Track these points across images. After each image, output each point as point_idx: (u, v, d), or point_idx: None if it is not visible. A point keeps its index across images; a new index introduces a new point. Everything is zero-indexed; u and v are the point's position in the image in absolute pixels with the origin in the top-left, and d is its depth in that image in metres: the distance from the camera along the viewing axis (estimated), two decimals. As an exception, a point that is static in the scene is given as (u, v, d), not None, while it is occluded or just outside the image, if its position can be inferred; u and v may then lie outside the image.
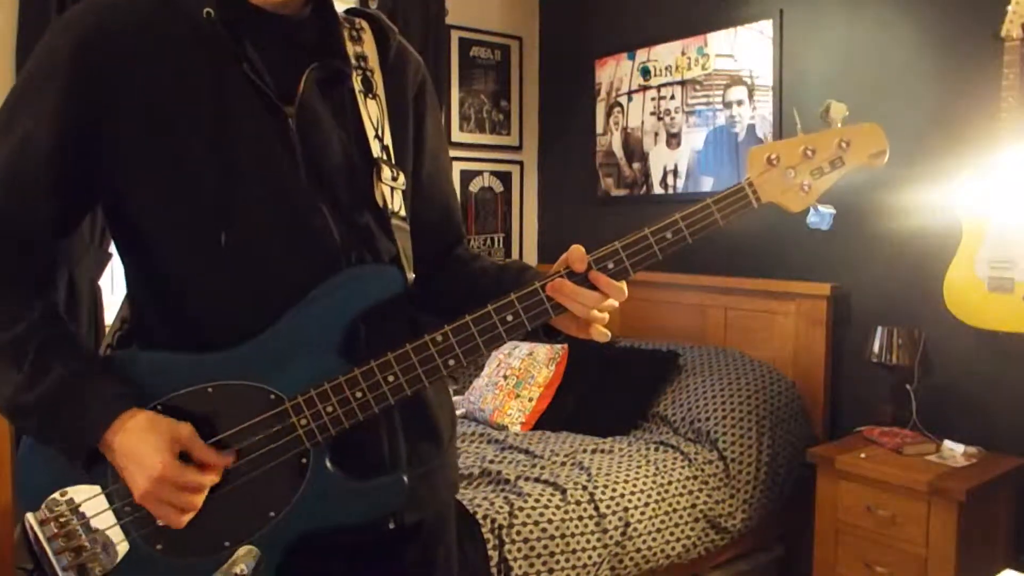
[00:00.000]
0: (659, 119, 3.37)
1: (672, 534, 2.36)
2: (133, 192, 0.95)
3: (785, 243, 2.88)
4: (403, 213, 1.06)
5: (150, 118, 0.93)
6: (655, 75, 3.37)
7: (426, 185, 1.13)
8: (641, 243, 0.97)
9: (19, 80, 0.97)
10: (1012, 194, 2.19)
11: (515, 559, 2.05)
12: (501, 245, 3.85)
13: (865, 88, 2.67)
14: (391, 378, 0.94)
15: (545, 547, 2.11)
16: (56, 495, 0.94)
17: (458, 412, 3.02)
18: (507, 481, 2.27)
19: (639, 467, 2.42)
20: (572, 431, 2.78)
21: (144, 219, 0.96)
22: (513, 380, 3.02)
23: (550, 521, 2.14)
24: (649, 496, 2.34)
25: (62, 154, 0.93)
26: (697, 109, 3.21)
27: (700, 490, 2.46)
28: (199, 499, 0.91)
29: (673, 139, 3.32)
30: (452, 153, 3.42)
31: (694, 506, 2.42)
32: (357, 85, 1.04)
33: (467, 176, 3.71)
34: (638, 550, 2.28)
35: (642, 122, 3.44)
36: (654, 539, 2.31)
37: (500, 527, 2.06)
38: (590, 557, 2.17)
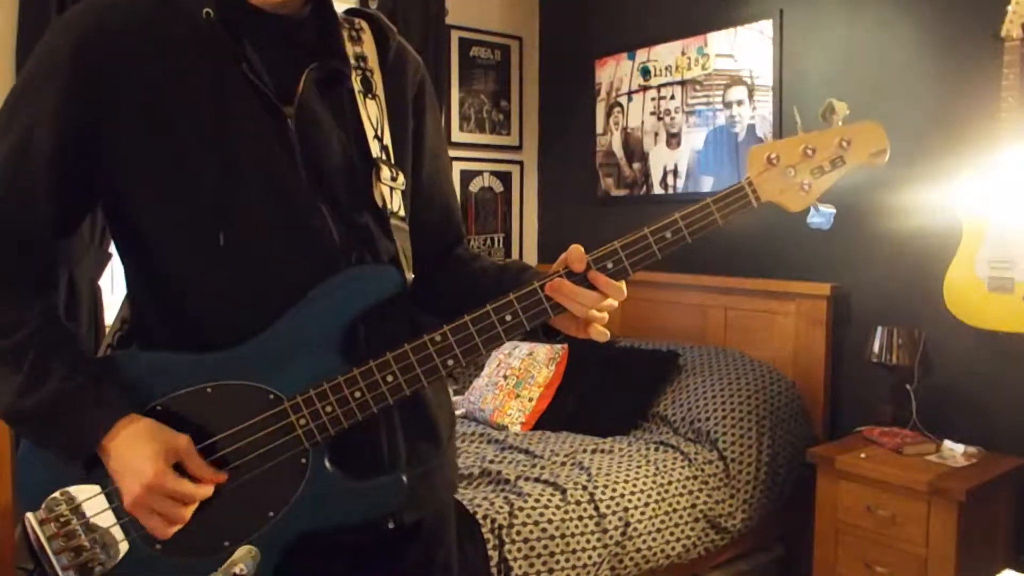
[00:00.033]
0: (659, 119, 3.37)
1: (672, 534, 2.36)
2: (133, 192, 0.95)
3: (785, 243, 2.88)
4: (402, 213, 1.06)
5: (150, 118, 0.93)
6: (655, 75, 3.37)
7: (426, 185, 1.13)
8: (640, 243, 0.97)
9: (19, 80, 0.97)
10: (1012, 194, 2.19)
11: (515, 559, 2.05)
12: (501, 245, 3.85)
13: (865, 88, 2.67)
14: (390, 378, 0.94)
15: (545, 547, 2.11)
16: (56, 495, 0.94)
17: (458, 412, 3.03)
18: (507, 481, 2.27)
19: (639, 467, 2.42)
20: (572, 431, 2.78)
21: (144, 219, 0.96)
22: (513, 380, 3.02)
23: (550, 521, 2.14)
24: (649, 496, 2.34)
25: (62, 154, 0.93)
26: (697, 109, 3.21)
27: (700, 490, 2.46)
28: (187, 512, 0.90)
29: (673, 139, 3.32)
30: (452, 153, 3.43)
31: (694, 506, 2.42)
32: (356, 85, 1.04)
33: (467, 176, 3.71)
34: (638, 550, 2.28)
35: (642, 122, 3.44)
36: (654, 539, 2.31)
37: (500, 527, 2.06)
38: (590, 557, 2.17)
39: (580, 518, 2.19)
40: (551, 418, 2.87)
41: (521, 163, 3.91)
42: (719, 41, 3.11)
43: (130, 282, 1.05)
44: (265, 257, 0.96)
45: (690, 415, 2.71)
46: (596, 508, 2.23)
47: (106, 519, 0.94)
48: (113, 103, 0.92)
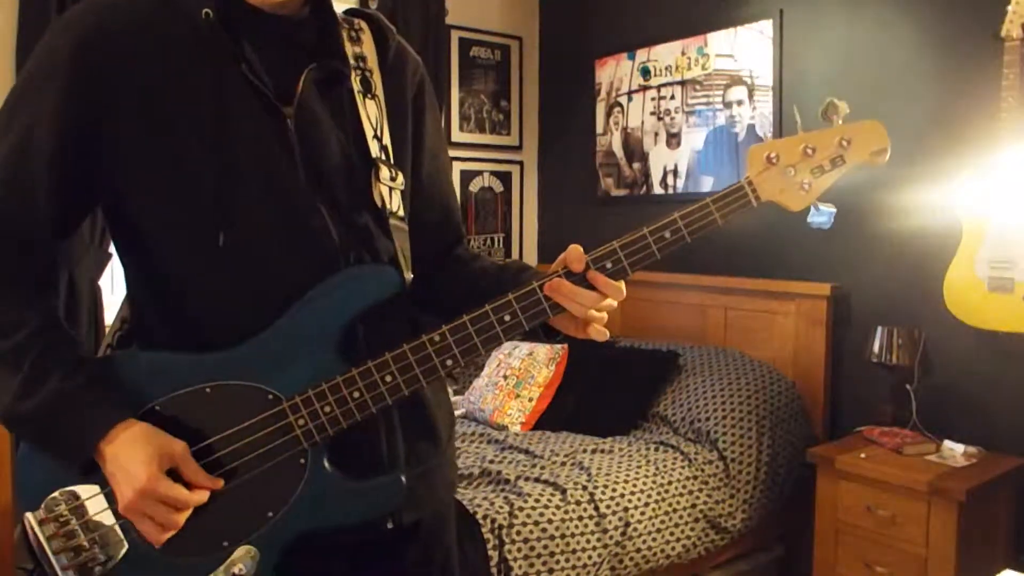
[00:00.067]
0: (659, 119, 3.37)
1: (672, 534, 2.36)
2: (133, 192, 0.95)
3: (785, 243, 2.88)
4: (401, 213, 1.06)
5: (150, 118, 0.93)
6: (655, 75, 3.37)
7: (426, 185, 1.13)
8: (639, 243, 0.97)
9: (19, 80, 0.97)
10: (1012, 194, 2.19)
11: (515, 559, 2.05)
12: (501, 245, 3.85)
13: (865, 88, 2.67)
14: (388, 378, 0.94)
15: (545, 547, 2.11)
16: (56, 495, 0.94)
17: (458, 412, 3.03)
18: (507, 481, 2.27)
19: (639, 467, 2.42)
20: (572, 431, 2.77)
21: (144, 219, 0.96)
22: (513, 380, 3.02)
23: (550, 521, 2.14)
24: (649, 496, 2.34)
25: (62, 154, 0.93)
26: (697, 109, 3.21)
27: (700, 490, 2.46)
28: (181, 517, 0.90)
29: (673, 139, 3.32)
30: (452, 153, 3.43)
31: (694, 506, 2.42)
32: (356, 85, 1.04)
33: (467, 176, 3.71)
34: (638, 550, 2.28)
35: (642, 122, 3.44)
36: (654, 539, 2.31)
37: (500, 527, 2.06)
38: (590, 557, 2.17)
39: (580, 518, 2.19)
40: (551, 418, 2.87)
41: (521, 163, 3.91)
42: (719, 41, 3.11)
43: (130, 282, 1.05)
44: (265, 257, 0.96)
45: (690, 415, 2.71)
46: (596, 508, 2.23)
47: (105, 519, 0.94)
48: (113, 103, 0.92)
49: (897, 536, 2.26)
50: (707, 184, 3.19)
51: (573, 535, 2.16)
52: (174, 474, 0.90)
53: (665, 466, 2.45)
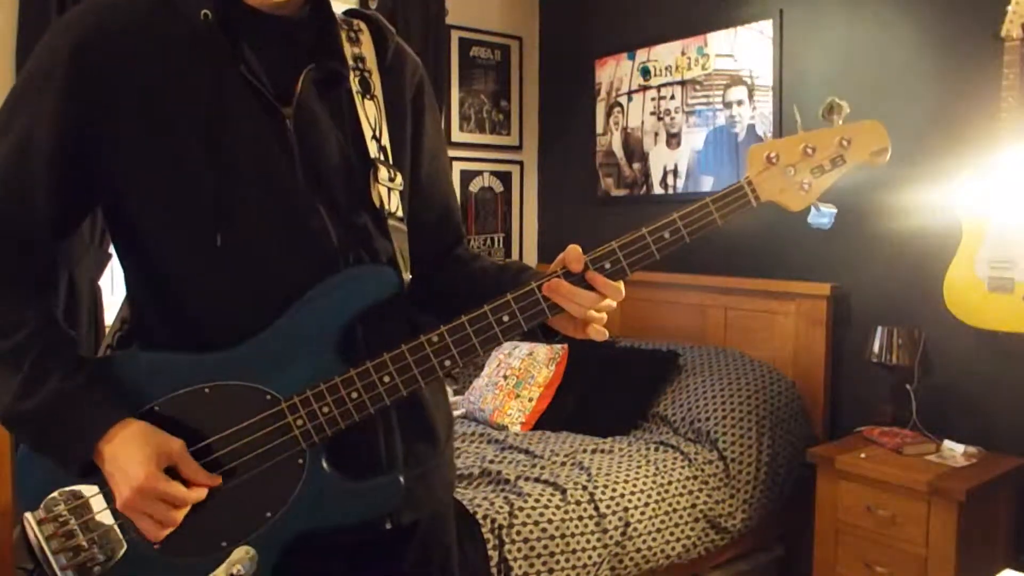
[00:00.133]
0: (659, 119, 3.37)
1: (672, 534, 2.36)
2: (132, 192, 0.95)
3: (785, 243, 2.88)
4: (400, 214, 1.06)
5: (149, 118, 0.93)
6: (655, 75, 3.37)
7: (425, 185, 1.13)
8: (638, 243, 0.97)
9: (19, 80, 0.97)
10: (1012, 194, 2.19)
11: (515, 559, 2.05)
12: (501, 245, 3.85)
13: (865, 88, 2.67)
14: (387, 379, 0.94)
15: (545, 547, 2.11)
16: (55, 495, 0.95)
17: (458, 412, 3.03)
18: (507, 481, 2.27)
19: (639, 467, 2.42)
20: (572, 431, 2.77)
21: (143, 219, 0.96)
22: (513, 380, 3.02)
23: (550, 521, 2.14)
24: (649, 496, 2.34)
25: (62, 154, 0.93)
26: (697, 109, 3.21)
27: (700, 490, 2.46)
28: (179, 515, 0.91)
29: (673, 139, 3.31)
30: (452, 153, 3.43)
31: (694, 506, 2.42)
32: (354, 86, 1.04)
33: (467, 176, 3.71)
34: (638, 550, 2.28)
35: (642, 122, 3.43)
36: (654, 539, 2.31)
37: (500, 527, 2.06)
38: (590, 557, 2.17)
39: (580, 518, 2.19)
40: (551, 418, 2.87)
41: (521, 163, 3.91)
42: (719, 41, 3.11)
43: (130, 283, 1.05)
44: (263, 257, 0.96)
45: (690, 415, 2.71)
46: (596, 508, 2.23)
47: (104, 519, 0.94)
48: (112, 103, 0.92)
49: (897, 536, 2.26)
50: (707, 184, 3.19)
51: (573, 535, 2.16)
52: (172, 472, 0.90)
53: (665, 466, 2.45)
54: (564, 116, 3.82)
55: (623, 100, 3.51)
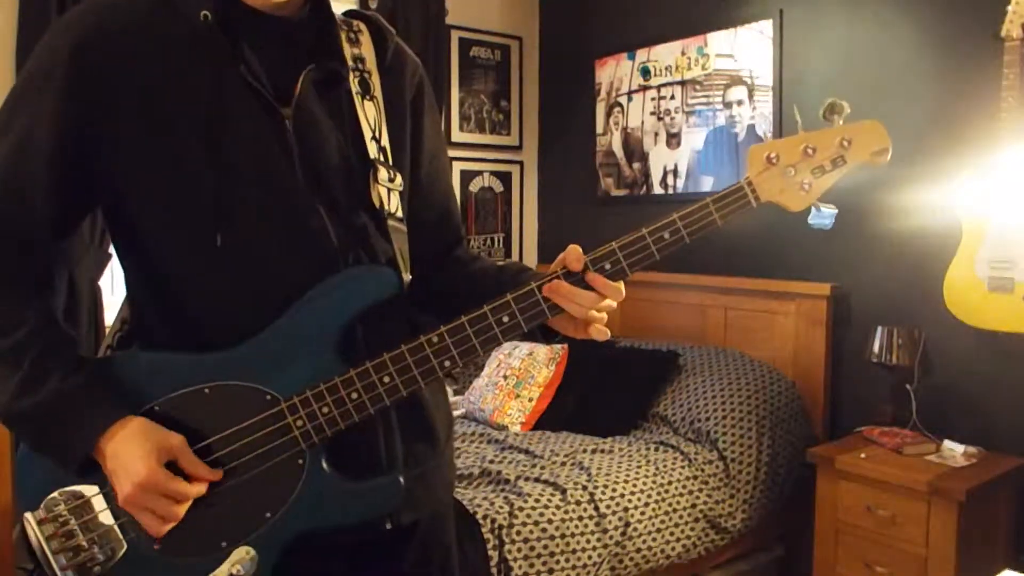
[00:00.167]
0: (659, 119, 3.37)
1: (672, 534, 2.36)
2: (132, 192, 0.95)
3: (785, 243, 2.88)
4: (400, 214, 1.06)
5: (149, 118, 0.93)
6: (655, 75, 3.37)
7: (425, 186, 1.13)
8: (638, 243, 0.97)
9: (19, 80, 0.97)
10: (1012, 194, 2.19)
11: (515, 559, 2.05)
12: (501, 245, 3.85)
13: (865, 88, 2.67)
14: (387, 379, 0.94)
15: (545, 547, 2.11)
16: (55, 495, 0.95)
17: (458, 412, 3.03)
18: (507, 481, 2.27)
19: (639, 467, 2.42)
20: (572, 431, 2.77)
21: (143, 220, 0.96)
22: (513, 380, 3.02)
23: (550, 521, 2.14)
24: (649, 496, 2.34)
25: (62, 154, 0.93)
26: (697, 109, 3.21)
27: (700, 490, 2.46)
28: (181, 509, 0.91)
29: (673, 139, 3.31)
30: (452, 153, 3.43)
31: (694, 506, 2.42)
32: (354, 87, 1.04)
33: (467, 176, 3.71)
34: (638, 550, 2.28)
35: (642, 122, 3.43)
36: (654, 539, 2.31)
37: (500, 527, 2.06)
38: (590, 557, 2.17)
39: (580, 518, 2.19)
40: (551, 418, 2.87)
41: (521, 163, 3.91)
42: (719, 41, 3.11)
43: (130, 283, 1.05)
44: (263, 257, 0.96)
45: (690, 415, 2.71)
46: (596, 508, 2.23)
47: (104, 519, 0.94)
48: (112, 103, 0.92)
49: (897, 536, 2.26)
50: (707, 184, 3.19)
51: (573, 535, 2.16)
52: (173, 467, 0.90)
53: (665, 466, 2.45)
54: (564, 116, 3.82)
55: (623, 100, 3.51)
